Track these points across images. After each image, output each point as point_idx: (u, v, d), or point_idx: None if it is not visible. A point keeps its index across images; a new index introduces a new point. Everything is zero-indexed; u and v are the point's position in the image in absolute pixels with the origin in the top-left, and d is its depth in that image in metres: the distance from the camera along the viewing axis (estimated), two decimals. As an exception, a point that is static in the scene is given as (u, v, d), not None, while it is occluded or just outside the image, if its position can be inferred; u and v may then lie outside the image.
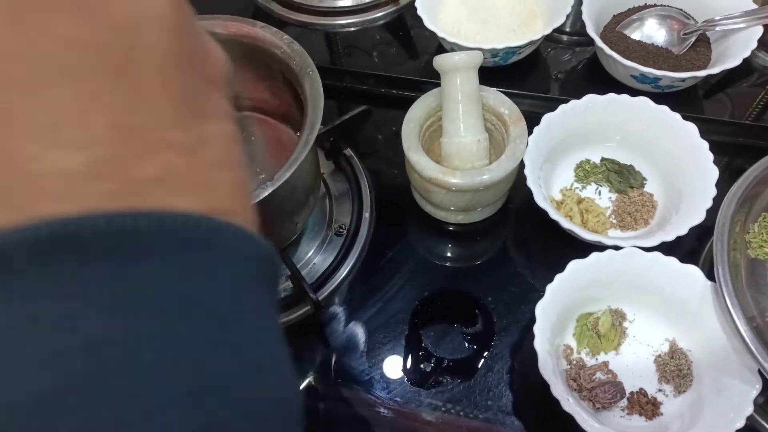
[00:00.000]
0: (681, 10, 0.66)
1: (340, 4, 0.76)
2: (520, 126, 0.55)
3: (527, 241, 0.59)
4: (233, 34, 0.50)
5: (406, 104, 0.56)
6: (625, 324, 0.52)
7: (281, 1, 0.75)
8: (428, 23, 0.61)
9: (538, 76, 0.69)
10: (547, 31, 0.59)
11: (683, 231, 0.50)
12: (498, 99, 0.56)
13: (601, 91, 0.58)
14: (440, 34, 0.60)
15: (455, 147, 0.54)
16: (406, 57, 0.71)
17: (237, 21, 0.50)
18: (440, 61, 0.53)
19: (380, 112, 0.65)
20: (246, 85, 0.55)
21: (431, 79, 0.63)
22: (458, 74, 0.53)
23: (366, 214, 0.60)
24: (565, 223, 0.52)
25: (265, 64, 0.51)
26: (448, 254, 0.59)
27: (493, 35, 0.64)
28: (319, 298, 0.53)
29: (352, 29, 0.74)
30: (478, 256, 0.58)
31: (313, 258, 0.58)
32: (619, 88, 0.61)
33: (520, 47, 0.60)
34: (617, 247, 0.50)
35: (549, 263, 0.52)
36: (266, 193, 0.41)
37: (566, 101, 0.58)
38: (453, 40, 0.59)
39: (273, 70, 0.51)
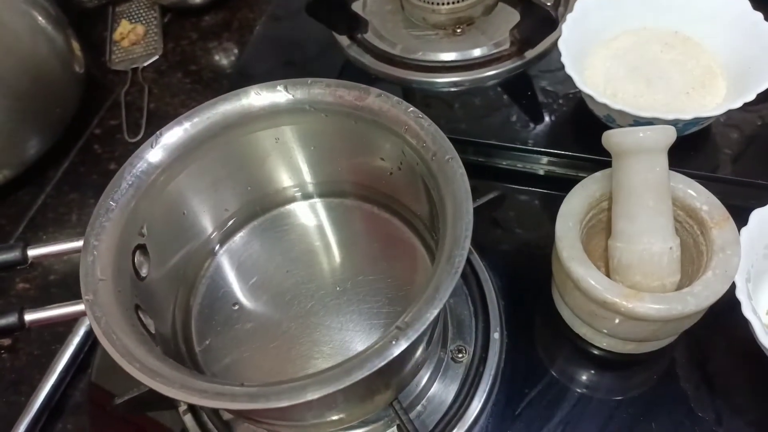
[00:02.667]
0: None
1: (443, 57, 0.63)
2: (727, 228, 0.39)
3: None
4: (346, 105, 0.37)
5: (546, 185, 0.43)
6: None
7: (376, 53, 0.63)
8: (580, 84, 0.47)
9: (708, 151, 0.53)
10: (750, 97, 0.44)
11: None
12: (690, 188, 0.41)
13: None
14: (600, 99, 0.46)
15: (637, 257, 0.39)
16: (533, 124, 0.57)
17: (347, 87, 0.37)
18: (616, 139, 0.39)
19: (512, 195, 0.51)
20: (349, 164, 0.42)
21: (588, 155, 0.49)
22: (642, 158, 0.38)
23: (495, 335, 0.45)
24: None
25: (379, 142, 0.38)
26: (615, 393, 0.43)
27: (661, 100, 0.49)
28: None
29: (455, 89, 0.61)
30: (657, 393, 0.42)
31: (426, 392, 0.43)
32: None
33: (709, 118, 0.45)
34: None
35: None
36: (403, 347, 0.27)
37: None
38: (621, 108, 0.45)
39: (388, 149, 0.38)
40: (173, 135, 0.36)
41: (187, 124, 0.37)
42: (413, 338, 0.27)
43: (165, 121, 0.74)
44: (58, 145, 0.68)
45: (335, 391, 0.26)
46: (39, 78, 0.63)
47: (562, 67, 0.48)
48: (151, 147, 0.36)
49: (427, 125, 0.35)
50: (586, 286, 0.38)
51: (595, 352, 0.44)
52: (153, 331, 0.33)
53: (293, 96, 0.38)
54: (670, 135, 0.38)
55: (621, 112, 0.46)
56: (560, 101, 0.57)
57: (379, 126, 0.37)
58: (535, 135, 0.55)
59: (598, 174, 0.43)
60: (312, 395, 0.26)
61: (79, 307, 0.30)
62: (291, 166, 0.42)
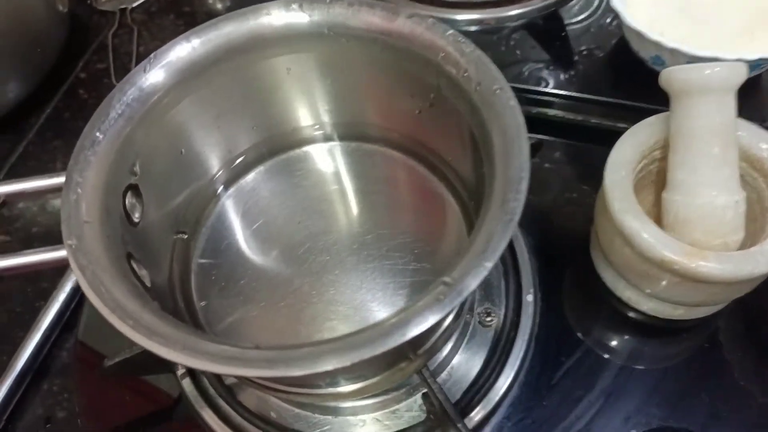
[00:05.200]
0: None
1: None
2: (798, 180, 0.35)
3: None
4: (371, 29, 0.31)
5: (582, 135, 0.38)
6: None
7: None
8: (628, 19, 0.42)
9: (761, 99, 0.48)
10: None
11: None
12: (755, 136, 0.37)
13: None
14: (652, 36, 0.40)
15: (697, 211, 0.34)
16: (566, 69, 0.52)
17: (372, 7, 0.32)
18: (680, 76, 0.34)
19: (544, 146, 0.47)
20: (371, 102, 0.37)
21: (630, 102, 0.44)
22: (709, 98, 0.33)
23: (528, 297, 0.40)
24: None
25: (409, 73, 0.33)
26: (660, 361, 0.39)
27: (714, 40, 0.44)
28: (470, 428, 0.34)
29: (477, 28, 0.55)
30: (705, 361, 0.38)
31: (450, 359, 0.39)
32: None
33: (775, 58, 0.40)
34: None
35: None
36: (453, 306, 0.22)
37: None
38: (675, 46, 0.39)
39: (419, 82, 0.33)
40: (171, 56, 0.31)
41: (186, 44, 0.31)
42: (464, 295, 0.23)
43: (157, 66, 0.68)
44: (39, 89, 0.62)
45: (370, 356, 0.22)
46: (19, 16, 0.57)
47: (596, 7, 0.43)
48: (144, 71, 0.30)
49: (469, 51, 0.30)
50: (641, 242, 0.33)
51: (639, 317, 0.40)
52: (148, 284, 0.28)
53: (310, 17, 0.32)
54: (741, 73, 0.33)
55: (674, 51, 0.41)
56: (595, 44, 0.52)
57: (409, 54, 0.32)
58: (568, 80, 0.50)
59: (651, 119, 0.38)
60: (340, 362, 0.22)
61: (61, 253, 0.25)
62: (304, 102, 0.37)
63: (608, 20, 0.54)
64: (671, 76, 0.34)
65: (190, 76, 0.31)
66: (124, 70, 0.65)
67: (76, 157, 0.28)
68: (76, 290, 0.46)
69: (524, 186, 0.25)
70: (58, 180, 0.27)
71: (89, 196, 0.27)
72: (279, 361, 0.22)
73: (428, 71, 0.31)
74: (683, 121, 0.35)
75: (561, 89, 0.50)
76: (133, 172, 0.30)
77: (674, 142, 0.35)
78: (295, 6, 0.32)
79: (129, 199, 0.29)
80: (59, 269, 0.49)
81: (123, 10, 0.70)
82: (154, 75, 0.31)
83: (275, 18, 0.32)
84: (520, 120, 0.27)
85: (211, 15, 0.70)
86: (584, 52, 0.52)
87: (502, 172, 0.26)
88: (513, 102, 0.28)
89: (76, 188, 0.26)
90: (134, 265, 0.27)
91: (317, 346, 0.23)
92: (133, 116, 0.30)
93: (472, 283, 0.23)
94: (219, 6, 0.72)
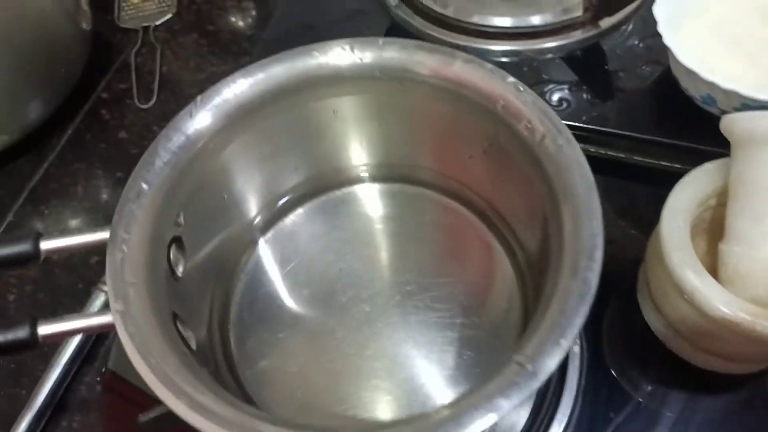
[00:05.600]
0: None
1: (497, 23, 0.56)
2: None
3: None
4: (426, 73, 0.30)
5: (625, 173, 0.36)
6: None
7: (427, 14, 0.56)
8: (681, 56, 0.40)
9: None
10: None
11: None
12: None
13: None
14: (706, 76, 0.39)
15: (760, 265, 0.33)
16: (605, 103, 0.51)
17: (428, 50, 0.30)
18: (744, 125, 0.32)
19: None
20: (418, 144, 0.35)
21: (683, 142, 0.43)
22: (774, 148, 0.32)
23: (575, 348, 0.39)
24: None
25: (463, 119, 0.31)
26: (715, 416, 0.37)
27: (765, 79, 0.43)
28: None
29: (512, 59, 0.54)
30: (761, 418, 0.37)
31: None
32: None
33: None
34: None
35: None
36: (530, 391, 0.21)
37: None
38: (732, 88, 0.38)
39: (474, 128, 0.31)
40: (217, 100, 0.30)
41: (234, 86, 0.30)
42: (542, 380, 0.21)
43: (179, 87, 0.67)
44: (61, 109, 0.61)
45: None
46: (42, 34, 0.56)
47: (640, 40, 0.41)
48: (190, 116, 0.29)
49: (531, 101, 0.28)
50: (701, 299, 0.32)
51: (691, 370, 0.38)
52: (194, 347, 0.26)
53: (361, 60, 0.31)
54: (809, 122, 0.32)
55: (729, 93, 0.39)
56: (638, 80, 0.51)
57: (465, 100, 0.30)
58: (608, 116, 0.49)
59: (709, 165, 0.36)
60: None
61: (107, 318, 0.24)
62: (349, 144, 0.36)
63: (651, 53, 0.52)
64: (734, 124, 0.33)
65: (236, 119, 0.30)
66: (147, 90, 0.63)
67: (120, 210, 0.26)
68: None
69: (599, 255, 0.24)
70: (103, 235, 0.26)
71: (135, 253, 0.25)
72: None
73: (485, 118, 0.30)
74: (746, 169, 0.33)
75: (599, 124, 0.48)
76: (177, 223, 0.28)
77: (735, 190, 0.34)
78: (346, 47, 0.31)
79: (173, 253, 0.28)
80: (78, 299, 0.47)
81: (146, 28, 0.69)
82: (201, 119, 0.29)
83: (325, 60, 0.31)
84: (591, 179, 0.26)
85: (234, 34, 0.69)
86: (625, 85, 0.51)
87: (571, 236, 0.25)
88: (581, 159, 0.26)
89: (121, 246, 0.25)
90: (179, 326, 0.26)
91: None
92: (178, 164, 0.28)
93: (550, 364, 0.21)
94: (241, 24, 0.71)
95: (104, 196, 0.57)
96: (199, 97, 0.30)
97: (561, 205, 0.26)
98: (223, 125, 0.30)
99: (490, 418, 0.20)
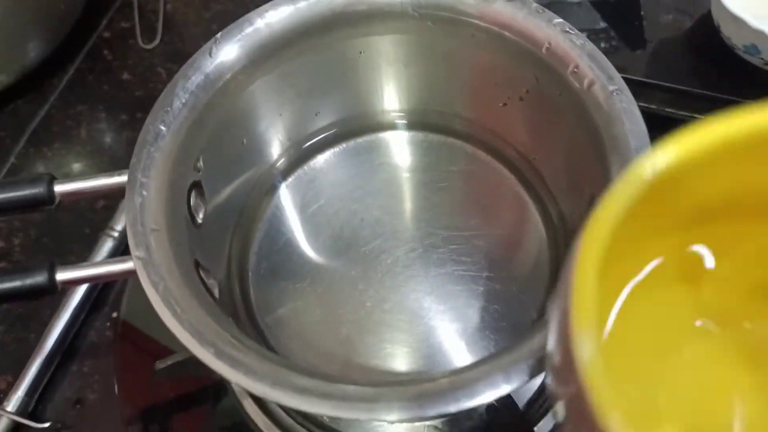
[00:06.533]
0: None
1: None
2: None
3: None
4: (464, 11, 0.28)
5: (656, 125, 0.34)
6: None
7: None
8: (729, 3, 0.38)
9: None
10: None
11: None
12: None
13: None
14: (754, 23, 0.37)
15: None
16: (638, 51, 0.48)
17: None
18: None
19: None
20: (448, 90, 0.33)
21: (721, 94, 0.41)
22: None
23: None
24: None
25: (501, 63, 0.29)
26: None
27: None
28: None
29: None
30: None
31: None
32: None
33: None
34: None
35: None
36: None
37: None
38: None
39: (511, 73, 0.29)
40: (239, 37, 0.27)
41: (260, 22, 0.28)
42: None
43: (184, 26, 0.64)
44: (61, 49, 0.58)
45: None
46: (40, -32, 0.53)
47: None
48: (209, 54, 0.27)
49: (581, 43, 0.26)
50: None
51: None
52: (217, 295, 0.25)
53: (395, -6, 0.29)
54: None
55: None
56: (671, 28, 0.48)
57: (505, 43, 0.28)
58: (639, 65, 0.47)
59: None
60: (445, 408, 0.20)
61: (127, 265, 0.22)
62: (374, 88, 0.34)
63: (683, 1, 0.50)
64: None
65: (259, 57, 0.28)
66: (150, 29, 0.60)
67: (138, 154, 0.24)
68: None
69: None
70: (120, 179, 0.24)
71: (155, 198, 0.24)
72: (380, 402, 0.20)
73: (526, 63, 0.28)
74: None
75: (629, 74, 0.46)
76: (197, 168, 0.27)
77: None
78: (379, -19, 0.29)
79: (193, 199, 0.26)
80: (86, 245, 0.46)
81: (148, -37, 0.65)
82: (222, 56, 0.27)
83: (353, -6, 0.29)
84: (644, 130, 0.24)
85: (243, -30, 0.65)
86: (656, 34, 0.48)
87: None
88: (634, 109, 0.24)
89: (141, 191, 0.23)
90: (202, 275, 0.25)
91: (425, 384, 0.20)
92: (197, 105, 0.26)
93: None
94: (249, -40, 0.68)
95: (108, 140, 0.55)
96: (219, 34, 0.28)
97: (608, 158, 0.24)
98: (245, 64, 0.28)
99: (504, 389, 0.20)
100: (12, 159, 0.54)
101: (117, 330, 0.41)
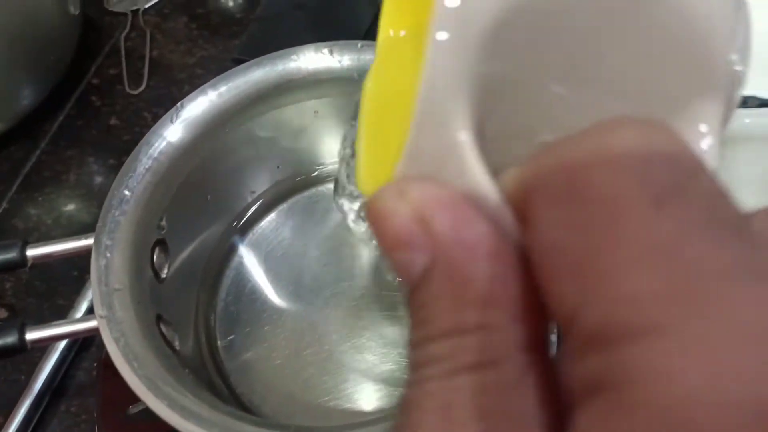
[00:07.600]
0: None
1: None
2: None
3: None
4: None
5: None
6: None
7: None
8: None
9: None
10: None
11: None
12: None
13: None
14: None
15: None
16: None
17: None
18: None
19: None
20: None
21: None
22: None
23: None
24: None
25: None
26: None
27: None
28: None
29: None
30: None
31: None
32: None
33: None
34: None
35: None
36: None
37: None
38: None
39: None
40: (197, 107, 0.30)
41: (213, 94, 0.30)
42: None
43: (170, 72, 0.67)
44: (53, 96, 0.61)
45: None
46: (31, 21, 0.56)
47: None
48: (171, 122, 0.30)
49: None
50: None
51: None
52: (177, 347, 0.27)
53: (340, 63, 0.31)
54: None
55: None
56: None
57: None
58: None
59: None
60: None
61: (92, 323, 0.25)
62: (330, 143, 0.36)
63: None
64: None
65: (218, 124, 0.31)
66: (137, 75, 0.63)
67: (104, 218, 0.27)
68: (92, 311, 0.46)
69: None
70: (87, 242, 0.27)
71: (118, 259, 0.26)
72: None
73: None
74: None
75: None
76: (160, 227, 0.29)
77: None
78: (325, 51, 0.31)
79: (157, 256, 0.29)
80: (75, 287, 0.49)
81: (135, 12, 0.68)
82: (182, 125, 0.30)
83: (304, 63, 0.31)
84: None
85: (224, 16, 0.68)
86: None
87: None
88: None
89: (105, 252, 0.26)
90: (163, 329, 0.27)
91: (380, 425, 0.22)
92: (160, 169, 0.29)
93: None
94: (231, 5, 0.71)
95: (97, 184, 0.58)
96: (179, 103, 0.30)
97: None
98: (204, 130, 0.30)
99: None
100: (4, 204, 0.57)
101: (99, 372, 0.43)
